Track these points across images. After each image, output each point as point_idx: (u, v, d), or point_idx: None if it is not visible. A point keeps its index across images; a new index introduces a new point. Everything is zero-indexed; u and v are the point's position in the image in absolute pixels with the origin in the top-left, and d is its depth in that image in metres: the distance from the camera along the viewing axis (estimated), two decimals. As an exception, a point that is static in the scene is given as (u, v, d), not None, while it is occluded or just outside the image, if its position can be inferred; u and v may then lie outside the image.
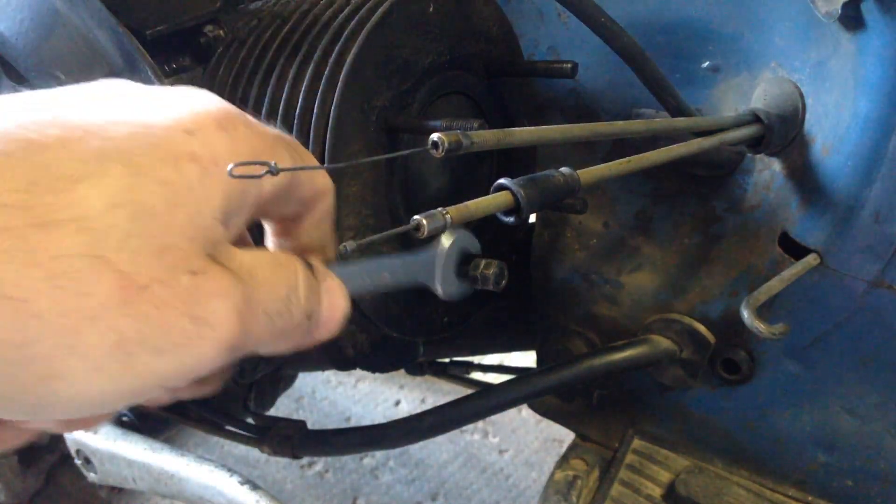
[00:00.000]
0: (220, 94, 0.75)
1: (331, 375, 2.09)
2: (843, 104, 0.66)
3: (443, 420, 0.84)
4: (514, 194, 0.48)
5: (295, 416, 1.22)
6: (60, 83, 0.71)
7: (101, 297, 0.29)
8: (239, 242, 0.38)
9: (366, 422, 1.91)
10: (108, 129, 0.32)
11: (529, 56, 0.89)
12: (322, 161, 0.66)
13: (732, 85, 0.78)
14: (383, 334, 0.86)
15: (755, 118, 0.71)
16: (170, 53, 0.78)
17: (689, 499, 0.81)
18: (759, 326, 0.64)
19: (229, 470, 0.90)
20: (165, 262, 0.31)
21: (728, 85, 0.79)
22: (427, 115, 0.75)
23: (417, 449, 1.84)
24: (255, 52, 0.74)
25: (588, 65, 0.84)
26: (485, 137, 0.48)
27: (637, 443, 0.90)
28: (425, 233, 0.42)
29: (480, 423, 1.89)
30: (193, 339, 0.32)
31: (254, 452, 1.61)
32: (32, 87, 0.75)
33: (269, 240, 0.46)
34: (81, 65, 0.71)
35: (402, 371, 1.36)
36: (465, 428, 1.85)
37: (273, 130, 0.40)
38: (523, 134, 0.52)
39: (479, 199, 0.46)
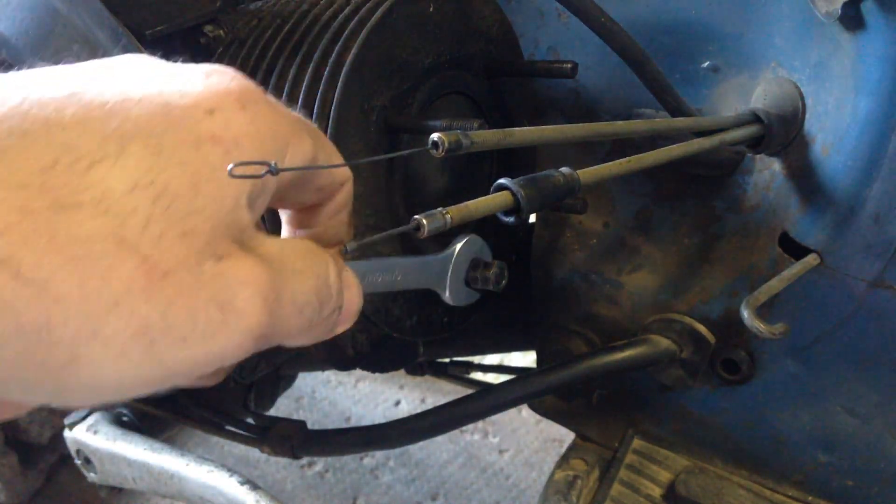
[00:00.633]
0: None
1: (331, 375, 2.09)
2: (843, 104, 0.66)
3: (443, 420, 0.84)
4: (514, 194, 0.48)
5: (295, 416, 1.22)
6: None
7: (124, 282, 0.28)
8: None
9: (366, 422, 1.92)
10: (127, 107, 0.31)
11: (529, 56, 0.89)
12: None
13: (732, 85, 0.78)
14: (383, 334, 0.86)
15: (755, 118, 0.71)
16: (170, 53, 0.78)
17: (689, 499, 0.81)
18: (759, 326, 0.64)
19: (229, 470, 0.90)
20: (189, 246, 0.30)
21: (728, 85, 0.79)
22: (427, 115, 0.75)
23: (417, 449, 1.84)
24: (255, 52, 0.74)
25: (588, 65, 0.84)
26: (485, 137, 0.47)
27: (637, 443, 0.90)
28: (425, 233, 0.41)
29: (480, 423, 1.88)
30: (219, 327, 0.31)
31: (254, 452, 1.61)
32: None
33: (285, 229, 0.45)
34: (81, 65, 0.71)
35: (402, 371, 1.36)
36: (465, 428, 1.85)
37: (294, 113, 0.38)
38: (523, 134, 0.52)
39: (479, 199, 0.46)
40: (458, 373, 1.40)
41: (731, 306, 0.79)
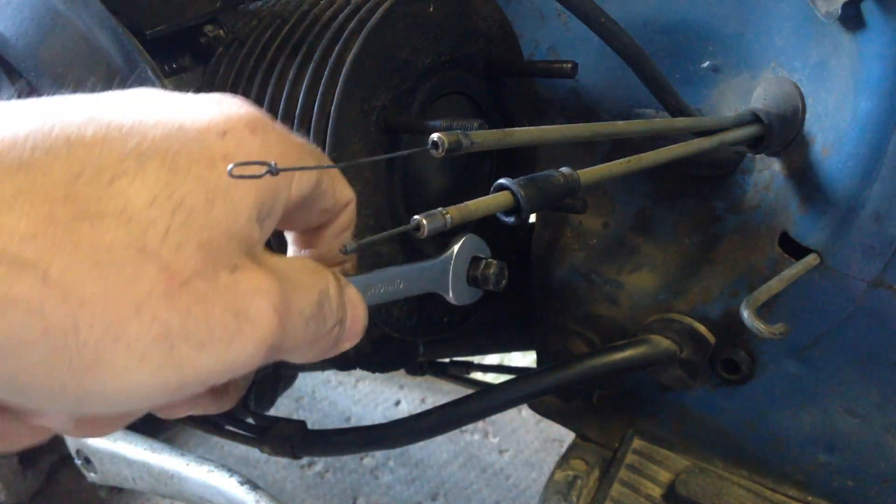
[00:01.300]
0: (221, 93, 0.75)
1: (331, 375, 2.09)
2: (843, 104, 0.66)
3: (443, 420, 0.84)
4: (514, 194, 0.48)
5: (295, 416, 1.22)
6: (63, 86, 0.71)
7: (146, 288, 0.29)
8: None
9: (366, 422, 1.92)
10: (144, 129, 0.33)
11: (529, 56, 0.89)
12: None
13: (732, 85, 0.78)
14: (383, 334, 0.86)
15: (755, 118, 0.71)
16: (170, 53, 0.78)
17: (689, 499, 0.81)
18: (759, 326, 0.64)
19: (229, 470, 0.90)
20: (206, 256, 0.31)
21: (728, 85, 0.79)
22: (427, 115, 0.75)
23: (417, 449, 1.84)
24: (255, 52, 0.74)
25: (588, 65, 0.84)
26: (485, 137, 0.48)
27: (637, 443, 0.90)
28: (425, 233, 0.42)
29: (480, 423, 1.88)
30: (235, 334, 0.32)
31: (254, 452, 1.61)
32: (32, 88, 0.75)
33: (291, 249, 0.47)
34: (81, 65, 0.71)
35: (402, 371, 1.36)
36: (465, 428, 1.85)
37: (301, 139, 0.40)
38: (523, 134, 0.52)
39: (480, 199, 0.46)
40: (458, 373, 1.40)
41: (731, 306, 0.79)
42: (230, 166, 0.33)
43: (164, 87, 0.69)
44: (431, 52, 0.73)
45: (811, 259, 0.69)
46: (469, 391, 0.88)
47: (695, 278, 0.82)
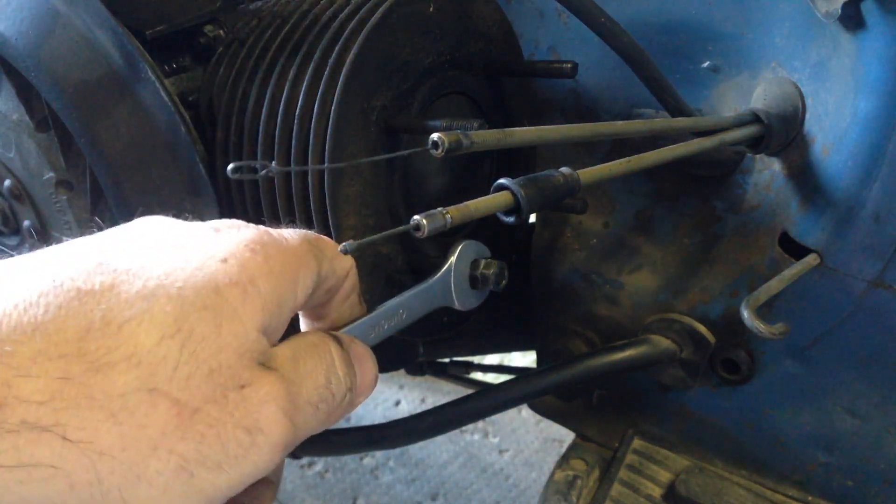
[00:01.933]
0: (220, 93, 0.75)
1: (331, 375, 2.09)
2: (843, 104, 0.66)
3: (443, 420, 0.84)
4: (514, 194, 0.48)
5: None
6: (63, 86, 0.71)
7: (159, 426, 0.31)
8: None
9: (366, 422, 1.91)
10: (150, 268, 0.35)
11: (529, 56, 0.89)
12: (321, 161, 0.66)
13: (732, 85, 0.78)
14: (383, 334, 0.85)
15: (755, 118, 0.71)
16: (170, 53, 0.78)
17: (689, 499, 0.81)
18: (759, 326, 0.64)
19: (229, 470, 0.90)
20: (215, 382, 0.33)
21: (728, 85, 0.79)
22: (427, 115, 0.75)
23: (417, 449, 1.84)
24: (255, 52, 0.74)
25: (588, 65, 0.84)
26: (485, 137, 0.48)
27: (637, 443, 0.90)
28: (425, 233, 0.42)
29: (480, 423, 1.88)
30: (250, 448, 0.34)
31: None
32: (32, 88, 0.75)
33: (303, 323, 0.48)
34: (81, 65, 0.71)
35: (402, 371, 1.36)
36: (465, 428, 1.85)
37: (296, 237, 0.41)
38: (523, 134, 0.52)
39: (480, 199, 0.46)
40: (458, 373, 1.40)
41: (731, 306, 0.79)
42: (229, 167, 0.33)
43: (164, 86, 0.69)
44: (431, 52, 0.73)
45: (811, 259, 0.69)
46: (469, 391, 0.88)
47: (695, 278, 0.82)
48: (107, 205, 0.79)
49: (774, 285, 0.67)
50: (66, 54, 0.71)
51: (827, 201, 0.69)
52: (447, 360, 1.37)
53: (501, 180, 0.49)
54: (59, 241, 0.87)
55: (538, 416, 1.03)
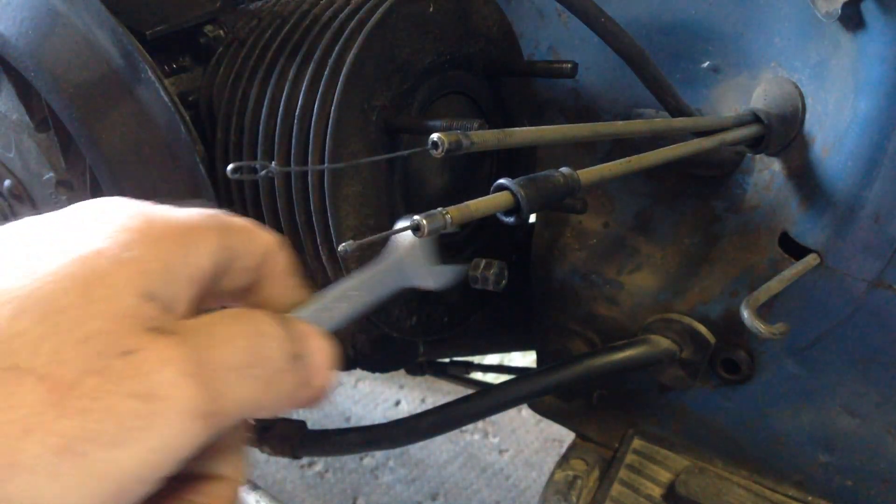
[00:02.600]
0: (220, 93, 0.75)
1: (331, 375, 2.09)
2: (843, 104, 0.66)
3: (443, 420, 0.84)
4: (514, 194, 0.48)
5: (295, 416, 1.22)
6: (63, 86, 0.71)
7: (29, 406, 0.28)
8: None
9: (366, 422, 1.91)
10: (9, 246, 0.32)
11: (529, 56, 0.89)
12: (321, 161, 0.66)
13: (732, 85, 0.78)
14: (383, 334, 0.86)
15: (755, 118, 0.71)
16: (170, 53, 0.78)
17: (689, 499, 0.81)
18: (759, 326, 0.64)
19: (229, 470, 0.90)
20: (89, 351, 0.30)
21: (728, 85, 0.79)
22: (427, 115, 0.75)
23: (417, 449, 1.84)
24: (255, 52, 0.74)
25: (588, 65, 0.84)
26: (485, 137, 0.48)
27: (637, 443, 0.90)
28: (425, 233, 0.42)
29: (480, 423, 1.88)
30: (149, 418, 0.30)
31: (254, 452, 1.61)
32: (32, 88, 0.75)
33: None
34: (81, 65, 0.71)
35: (402, 371, 1.36)
36: (465, 428, 1.85)
37: (191, 211, 0.38)
38: (523, 134, 0.52)
39: (479, 199, 0.46)
40: (458, 373, 1.40)
41: (731, 306, 0.79)
42: (229, 168, 0.32)
43: (164, 86, 0.69)
44: (431, 52, 0.73)
45: (811, 259, 0.69)
46: (469, 391, 0.88)
47: (695, 278, 0.82)
48: (107, 205, 0.79)
49: (774, 285, 0.67)
50: (66, 54, 0.71)
51: (827, 201, 0.69)
52: (447, 360, 1.37)
53: (501, 180, 0.49)
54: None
55: (538, 416, 1.03)
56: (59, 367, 0.29)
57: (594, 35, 0.69)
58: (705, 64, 0.79)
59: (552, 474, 0.90)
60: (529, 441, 1.85)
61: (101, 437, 0.29)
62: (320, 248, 0.70)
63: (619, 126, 0.62)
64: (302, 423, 0.95)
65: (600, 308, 0.89)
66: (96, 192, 0.80)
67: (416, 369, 1.36)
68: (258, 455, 1.64)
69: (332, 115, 0.65)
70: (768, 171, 0.77)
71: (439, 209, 0.43)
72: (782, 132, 0.72)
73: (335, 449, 0.91)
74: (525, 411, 1.90)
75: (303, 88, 0.68)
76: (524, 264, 0.95)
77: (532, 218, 0.94)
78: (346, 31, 0.68)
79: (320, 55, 0.68)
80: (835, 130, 0.67)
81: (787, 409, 0.81)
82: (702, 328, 0.80)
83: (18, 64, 0.74)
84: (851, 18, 0.62)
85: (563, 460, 0.92)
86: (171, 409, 0.31)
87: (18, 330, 0.29)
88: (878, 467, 0.78)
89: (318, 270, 0.73)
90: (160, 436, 0.30)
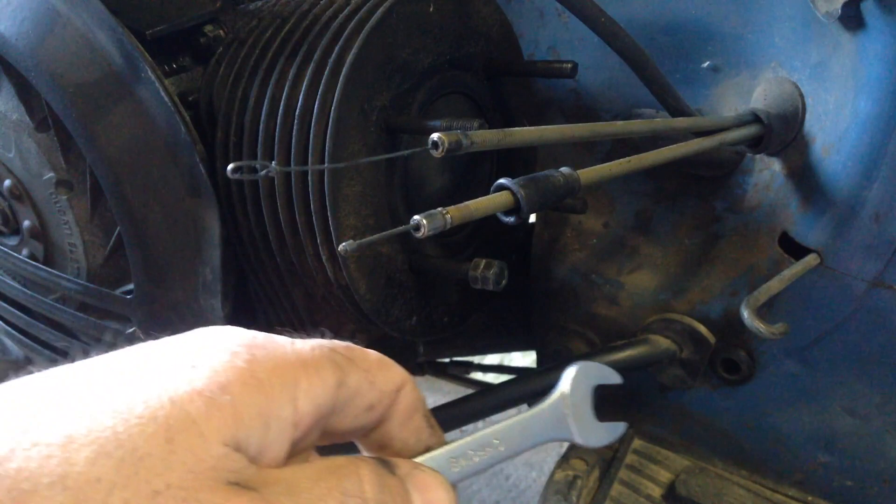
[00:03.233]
0: (220, 93, 0.75)
1: (331, 375, 2.09)
2: (843, 104, 0.66)
3: (443, 420, 0.84)
4: (514, 194, 0.48)
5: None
6: (63, 86, 0.71)
7: None
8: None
9: (366, 422, 1.91)
10: (105, 383, 0.31)
11: (529, 56, 0.89)
12: (321, 161, 0.66)
13: (732, 85, 0.78)
14: (383, 334, 0.86)
15: (755, 118, 0.71)
16: (170, 53, 0.78)
17: (689, 499, 0.81)
18: (759, 326, 0.64)
19: (229, 470, 0.90)
20: None
21: (728, 85, 0.79)
22: (427, 115, 0.75)
23: (417, 449, 1.84)
24: (255, 52, 0.74)
25: (588, 65, 0.84)
26: (485, 137, 0.48)
27: (637, 443, 0.90)
28: (425, 233, 0.42)
29: (480, 423, 1.88)
30: None
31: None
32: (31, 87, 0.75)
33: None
34: (81, 65, 0.71)
35: (402, 371, 1.35)
36: (465, 428, 1.85)
37: (307, 343, 0.36)
38: (523, 134, 0.52)
39: (479, 199, 0.46)
40: (458, 373, 1.40)
41: (731, 306, 0.79)
42: (229, 167, 0.32)
43: (164, 86, 0.69)
44: (431, 52, 0.73)
45: (811, 259, 0.69)
46: (469, 391, 0.88)
47: (695, 278, 0.82)
48: (107, 205, 0.79)
49: (774, 285, 0.67)
50: (66, 54, 0.71)
51: (827, 201, 0.69)
52: (447, 360, 1.37)
53: (501, 180, 0.49)
54: (59, 240, 0.87)
55: (538, 416, 1.02)
56: None
57: (594, 35, 0.69)
58: (705, 64, 0.79)
59: (552, 474, 0.90)
60: (529, 441, 1.85)
61: None
62: (320, 248, 0.70)
63: (619, 126, 0.62)
64: (302, 423, 0.95)
65: (600, 308, 0.89)
66: (96, 191, 0.80)
67: (416, 369, 1.36)
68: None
69: (332, 115, 0.65)
70: (768, 171, 0.77)
71: (439, 209, 0.43)
72: (782, 132, 0.72)
73: (336, 449, 0.91)
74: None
75: (303, 88, 0.68)
76: (524, 264, 0.95)
77: (532, 218, 0.94)
78: (346, 31, 0.68)
79: (320, 55, 0.68)
80: (835, 130, 0.67)
81: (787, 409, 0.81)
82: (702, 328, 0.80)
83: (18, 64, 0.74)
84: (851, 18, 0.62)
85: (563, 460, 0.92)
86: None
87: (95, 476, 0.28)
88: (878, 467, 0.78)
89: (318, 270, 0.73)
90: None
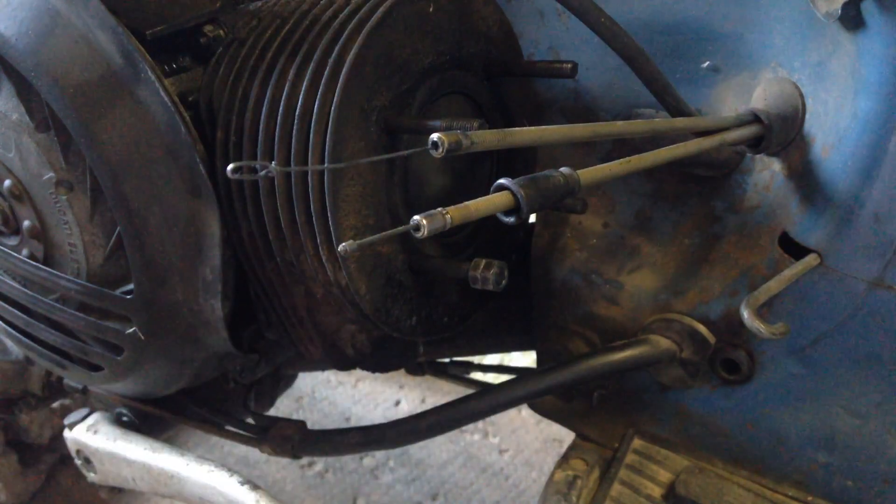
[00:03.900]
0: (220, 93, 0.75)
1: (331, 375, 2.09)
2: (843, 104, 0.66)
3: (443, 420, 0.84)
4: (514, 194, 0.48)
5: (295, 416, 1.22)
6: (63, 86, 0.71)
7: None
8: None
9: (366, 422, 1.91)
10: None
11: (529, 56, 0.89)
12: (321, 161, 0.66)
13: (732, 85, 0.78)
14: (383, 334, 0.86)
15: (755, 118, 0.71)
16: (170, 53, 0.78)
17: (689, 499, 0.81)
18: (759, 326, 0.64)
19: (229, 470, 0.90)
20: None
21: (728, 85, 0.79)
22: (427, 115, 0.75)
23: (417, 449, 1.84)
24: (255, 52, 0.74)
25: (588, 65, 0.84)
26: (485, 137, 0.48)
27: (637, 443, 0.90)
28: (425, 233, 0.42)
29: (480, 423, 1.88)
30: None
31: (254, 452, 1.61)
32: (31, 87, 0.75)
33: None
34: (81, 65, 0.71)
35: (402, 371, 1.36)
36: (465, 428, 1.85)
37: None
38: (523, 134, 0.52)
39: (479, 199, 0.46)
40: (458, 373, 1.40)
41: (731, 306, 0.79)
42: (229, 167, 0.32)
43: (164, 86, 0.69)
44: (431, 52, 0.73)
45: (811, 259, 0.69)
46: (469, 391, 0.88)
47: (695, 278, 0.82)
48: (107, 205, 0.79)
49: (774, 285, 0.67)
50: (66, 54, 0.71)
51: (827, 201, 0.69)
52: (447, 360, 1.37)
53: (501, 180, 0.49)
54: (59, 240, 0.87)
55: (538, 416, 1.03)
56: None
57: (594, 35, 0.69)
58: (705, 64, 0.79)
59: (552, 474, 0.90)
60: (529, 441, 1.85)
61: None
62: (320, 248, 0.70)
63: (619, 126, 0.62)
64: (302, 423, 0.95)
65: (600, 308, 0.89)
66: (96, 191, 0.80)
67: (416, 369, 1.36)
68: (258, 455, 1.64)
69: (332, 115, 0.65)
70: (768, 171, 0.77)
71: (439, 209, 0.43)
72: (782, 132, 0.72)
73: (335, 449, 0.91)
74: (525, 411, 1.90)
75: (303, 88, 0.68)
76: (524, 264, 0.95)
77: (532, 218, 0.94)
78: (346, 31, 0.68)
79: (320, 55, 0.68)
80: (835, 130, 0.67)
81: (787, 409, 0.81)
82: (702, 328, 0.80)
83: (18, 64, 0.74)
84: (851, 18, 0.62)
85: (563, 460, 0.92)
86: None
87: None
88: (878, 467, 0.78)
89: (318, 270, 0.73)
90: None
